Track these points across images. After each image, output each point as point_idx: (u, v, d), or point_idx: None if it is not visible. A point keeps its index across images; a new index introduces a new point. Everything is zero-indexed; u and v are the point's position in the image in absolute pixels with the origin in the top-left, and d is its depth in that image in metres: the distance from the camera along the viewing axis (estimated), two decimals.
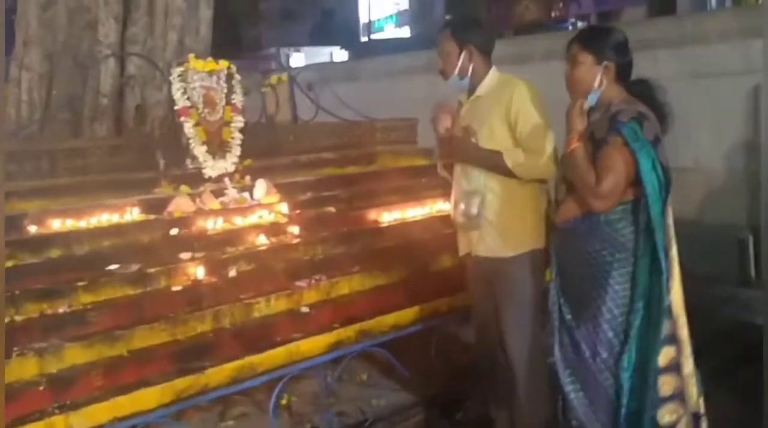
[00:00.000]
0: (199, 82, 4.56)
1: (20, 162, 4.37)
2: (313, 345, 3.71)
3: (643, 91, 2.92)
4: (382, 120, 6.13)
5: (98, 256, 3.77)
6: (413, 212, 4.95)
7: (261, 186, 4.55)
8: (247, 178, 4.64)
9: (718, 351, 4.35)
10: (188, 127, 4.45)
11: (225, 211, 4.33)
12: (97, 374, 3.20)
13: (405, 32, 28.14)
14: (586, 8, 17.96)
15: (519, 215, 3.27)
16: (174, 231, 4.06)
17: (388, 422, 3.97)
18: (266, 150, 5.26)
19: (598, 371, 2.90)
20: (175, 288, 3.70)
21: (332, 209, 4.77)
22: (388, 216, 4.83)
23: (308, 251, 4.28)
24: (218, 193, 4.44)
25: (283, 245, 4.23)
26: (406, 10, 29.14)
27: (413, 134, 6.03)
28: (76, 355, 3.23)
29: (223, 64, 4.71)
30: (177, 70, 4.51)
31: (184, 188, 4.38)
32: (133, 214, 4.15)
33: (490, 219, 3.27)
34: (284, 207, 4.54)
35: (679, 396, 2.82)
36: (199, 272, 3.79)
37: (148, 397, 3.19)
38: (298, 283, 3.99)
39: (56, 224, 3.90)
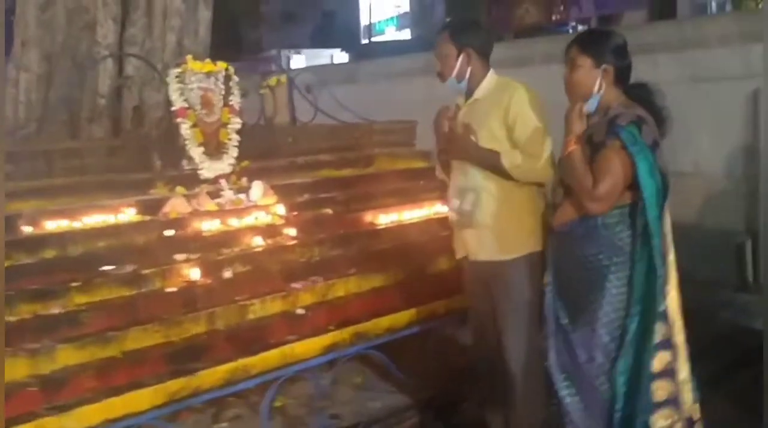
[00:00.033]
0: (196, 83, 4.55)
1: (17, 162, 4.35)
2: (307, 347, 3.70)
3: (642, 95, 2.91)
4: (380, 122, 6.12)
5: (93, 257, 3.76)
6: (410, 214, 4.94)
7: (258, 188, 4.54)
8: (244, 179, 4.62)
9: (715, 355, 4.34)
10: (185, 128, 4.43)
11: (221, 212, 4.31)
12: (90, 375, 3.18)
13: (405, 35, 28.13)
14: (587, 12, 17.94)
15: (516, 217, 3.26)
16: (169, 232, 4.05)
17: (383, 424, 3.98)
18: (264, 152, 5.24)
19: (593, 375, 2.89)
20: (169, 290, 3.68)
21: (329, 211, 4.76)
22: (385, 218, 4.82)
23: (304, 253, 4.27)
24: (214, 194, 4.43)
25: (279, 247, 4.22)
26: (406, 13, 29.14)
27: (411, 137, 6.02)
28: (68, 356, 3.21)
29: (221, 65, 4.70)
30: (174, 72, 4.49)
31: (179, 189, 4.36)
32: (129, 215, 4.13)
33: (486, 222, 3.26)
34: (281, 209, 4.53)
35: (673, 401, 2.80)
36: (194, 273, 3.78)
37: (141, 399, 3.17)
38: (294, 285, 3.97)
39: (51, 225, 3.88)
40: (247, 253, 4.07)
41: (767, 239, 5.92)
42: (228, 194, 4.45)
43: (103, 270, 3.68)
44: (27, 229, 3.82)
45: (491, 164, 3.19)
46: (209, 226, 4.19)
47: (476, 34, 3.34)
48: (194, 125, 4.48)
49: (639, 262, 2.79)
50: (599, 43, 2.93)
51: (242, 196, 4.49)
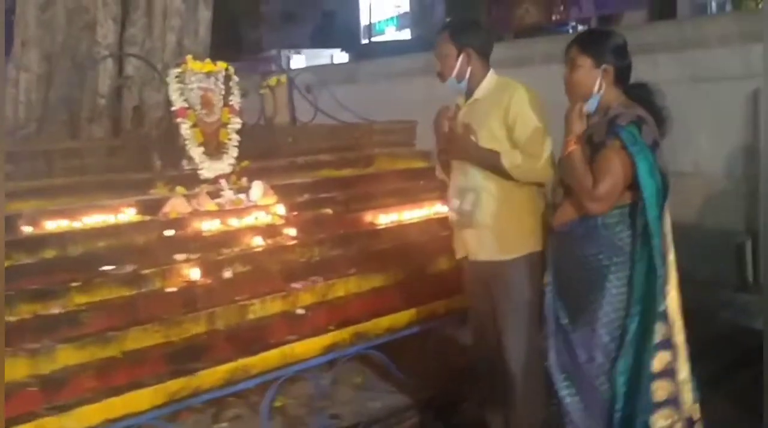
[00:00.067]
0: (196, 83, 4.54)
1: (17, 162, 4.35)
2: (307, 347, 3.70)
3: (642, 95, 2.91)
4: (380, 122, 6.11)
5: (93, 257, 3.76)
6: (410, 214, 4.94)
7: (258, 188, 4.54)
8: (244, 179, 4.62)
9: (715, 355, 4.34)
10: (185, 128, 4.43)
11: (221, 212, 4.31)
12: (90, 375, 3.18)
13: (406, 35, 28.12)
14: (587, 12, 17.92)
15: (516, 217, 3.26)
16: (169, 232, 4.04)
17: (383, 424, 3.97)
18: (264, 152, 5.24)
19: (593, 375, 2.88)
20: (169, 290, 3.68)
21: (329, 211, 4.76)
22: (385, 218, 4.81)
23: (304, 253, 4.27)
24: (214, 194, 4.42)
25: (279, 247, 4.21)
26: (406, 13, 29.13)
27: (411, 137, 6.02)
28: (68, 356, 3.21)
29: (221, 65, 4.70)
30: (174, 72, 4.49)
31: (179, 189, 4.36)
32: (129, 215, 4.13)
33: (486, 222, 3.26)
34: (281, 209, 4.53)
35: (673, 401, 2.80)
36: (194, 273, 3.77)
37: (141, 399, 3.17)
38: (294, 285, 3.97)
39: (51, 225, 3.88)
40: (247, 253, 4.07)
41: (767, 239, 5.93)
42: (228, 194, 4.45)
43: (103, 270, 3.68)
44: (27, 229, 3.82)
45: (491, 164, 3.19)
46: (209, 226, 4.18)
47: (476, 34, 3.34)
48: (194, 125, 4.48)
49: (639, 262, 2.79)
50: (599, 43, 2.93)
51: (242, 196, 4.49)
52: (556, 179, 3.08)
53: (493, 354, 3.38)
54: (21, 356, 3.10)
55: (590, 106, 2.90)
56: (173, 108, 4.46)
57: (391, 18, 30.13)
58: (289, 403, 4.00)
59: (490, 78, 3.32)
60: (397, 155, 5.81)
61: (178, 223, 4.12)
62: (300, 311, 3.86)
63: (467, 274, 3.48)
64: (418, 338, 4.19)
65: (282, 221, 4.43)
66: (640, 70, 3.00)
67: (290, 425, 3.88)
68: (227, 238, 4.15)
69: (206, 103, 4.54)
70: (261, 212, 4.43)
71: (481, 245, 3.31)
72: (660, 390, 2.78)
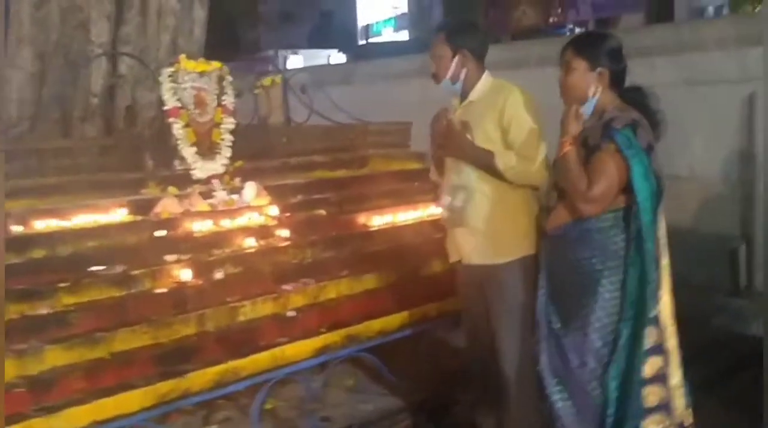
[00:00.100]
0: (189, 83, 4.51)
1: (8, 161, 4.31)
2: (298, 349, 3.68)
3: (637, 99, 2.90)
4: (374, 123, 6.09)
5: (82, 257, 3.73)
6: (404, 216, 4.91)
7: (250, 188, 4.51)
8: (237, 180, 4.60)
9: (708, 360, 4.33)
10: (177, 128, 4.40)
11: (213, 213, 4.29)
12: (78, 376, 3.16)
13: (403, 36, 28.10)
14: (585, 14, 17.92)
15: (511, 219, 3.24)
16: (160, 233, 4.02)
17: (375, 427, 3.94)
18: (257, 152, 5.22)
19: (585, 380, 2.86)
20: (159, 291, 3.65)
21: (323, 212, 4.74)
22: (378, 220, 4.79)
23: (297, 254, 4.24)
24: (207, 195, 4.40)
25: (271, 248, 4.19)
26: (404, 14, 29.11)
27: (406, 138, 6.00)
28: (57, 357, 3.18)
29: (215, 65, 4.67)
30: (167, 71, 4.46)
31: (171, 189, 4.33)
32: (120, 215, 4.10)
33: (480, 225, 3.24)
34: (274, 210, 4.50)
35: (664, 407, 2.79)
36: (184, 274, 3.75)
37: (130, 400, 3.15)
38: (285, 287, 3.95)
39: (40, 224, 3.85)
40: (239, 254, 4.04)
41: (762, 244, 5.92)
42: (220, 194, 4.42)
43: (93, 271, 3.65)
44: (16, 228, 3.79)
45: (485, 163, 3.17)
46: (201, 227, 4.16)
47: (472, 36, 3.32)
48: (187, 125, 4.45)
49: (632, 266, 2.78)
50: (594, 46, 2.91)
51: (235, 196, 4.47)
52: (550, 182, 3.07)
53: (486, 357, 3.36)
54: (9, 357, 3.06)
55: (586, 109, 2.89)
56: (165, 108, 4.43)
57: (389, 19, 30.10)
58: (279, 406, 3.98)
59: (485, 80, 3.31)
60: (392, 157, 5.79)
61: (169, 223, 4.09)
62: (291, 313, 3.83)
63: (461, 277, 3.46)
64: (410, 340, 4.17)
65: (274, 222, 4.40)
66: (637, 73, 2.99)
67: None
68: (219, 239, 4.12)
69: (199, 102, 4.51)
70: (253, 213, 4.40)
71: (474, 248, 3.29)
72: (651, 395, 2.76)
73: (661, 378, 2.78)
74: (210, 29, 6.16)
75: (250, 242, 4.16)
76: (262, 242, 4.21)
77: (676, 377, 2.83)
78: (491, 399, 3.42)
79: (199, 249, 3.98)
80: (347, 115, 6.17)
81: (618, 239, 2.81)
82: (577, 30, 16.44)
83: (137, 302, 3.56)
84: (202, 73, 4.57)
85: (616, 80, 2.90)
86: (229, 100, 4.69)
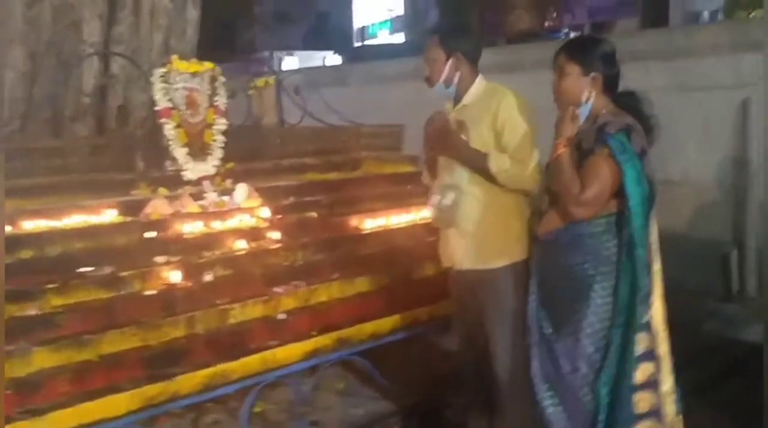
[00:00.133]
0: (181, 83, 4.48)
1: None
2: (289, 352, 3.65)
3: (630, 104, 2.89)
4: (367, 126, 6.06)
5: (71, 258, 3.69)
6: (396, 219, 4.89)
7: (242, 190, 4.49)
8: (228, 181, 4.57)
9: (701, 365, 4.33)
10: (168, 128, 4.37)
11: (204, 214, 4.26)
12: (65, 379, 3.13)
13: (399, 39, 28.11)
14: (580, 19, 17.99)
15: (502, 223, 3.22)
16: (150, 234, 3.98)
17: None
18: (249, 153, 5.19)
19: (577, 386, 2.85)
20: (148, 292, 3.62)
21: (314, 214, 4.71)
22: (370, 223, 4.77)
23: (288, 256, 4.21)
24: (197, 196, 4.36)
25: (262, 251, 4.16)
26: (400, 17, 29.12)
27: (399, 140, 5.98)
28: (44, 359, 3.15)
29: (207, 65, 4.64)
30: (159, 71, 4.43)
31: (162, 190, 4.30)
32: (109, 216, 4.06)
33: (470, 228, 3.22)
34: (265, 212, 4.48)
35: (655, 413, 2.77)
36: (174, 276, 3.72)
37: (117, 403, 3.12)
38: (276, 289, 3.92)
39: (29, 225, 3.81)
40: (229, 256, 4.02)
41: (754, 249, 5.93)
42: (211, 196, 4.39)
43: (81, 272, 3.62)
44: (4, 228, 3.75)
45: (479, 165, 3.15)
46: (191, 228, 4.13)
47: (466, 39, 3.30)
48: (178, 126, 4.42)
49: (624, 272, 2.76)
50: (588, 50, 2.90)
51: (226, 198, 4.43)
52: (543, 186, 3.05)
53: (479, 361, 3.34)
54: None
55: (581, 114, 2.87)
56: (157, 108, 4.40)
57: (384, 21, 30.12)
58: (269, 409, 3.96)
59: (479, 84, 3.29)
60: (384, 159, 5.77)
61: (159, 225, 4.06)
62: (282, 316, 3.81)
63: (453, 282, 3.44)
64: (402, 344, 4.15)
65: (266, 224, 4.37)
66: (631, 78, 2.98)
67: None
68: (209, 241, 4.09)
69: (191, 103, 4.48)
70: (244, 215, 4.38)
71: (466, 253, 3.27)
72: (642, 401, 2.75)
73: (652, 384, 2.77)
74: (205, 30, 6.14)
75: (240, 244, 4.14)
76: (252, 244, 4.18)
77: (667, 383, 2.81)
78: (483, 403, 3.41)
79: (189, 251, 3.95)
80: (340, 117, 6.15)
81: (610, 244, 2.79)
82: (573, 34, 16.47)
83: (126, 303, 3.54)
84: (194, 74, 4.54)
85: (610, 85, 2.89)
86: (221, 101, 4.66)
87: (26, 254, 3.62)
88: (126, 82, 5.59)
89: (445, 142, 3.24)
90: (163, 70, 4.43)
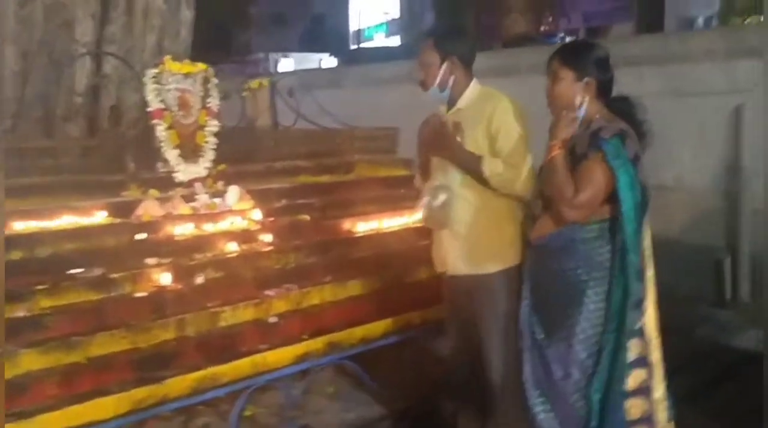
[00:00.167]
0: (174, 84, 4.45)
1: None
2: (280, 356, 3.64)
3: (624, 109, 2.89)
4: (361, 128, 6.04)
5: (61, 259, 3.66)
6: (389, 222, 4.88)
7: (234, 192, 4.46)
8: (220, 183, 4.54)
9: (693, 371, 4.32)
10: (160, 130, 4.34)
11: (195, 216, 4.23)
12: (53, 381, 3.11)
13: (394, 41, 28.14)
14: (575, 23, 18.03)
15: (495, 227, 3.21)
16: (141, 236, 3.96)
17: None
18: (242, 155, 5.16)
19: (569, 392, 2.84)
20: (138, 295, 3.59)
21: (307, 217, 4.68)
22: (363, 226, 4.75)
23: (280, 259, 4.19)
24: (189, 198, 4.33)
25: (253, 253, 4.14)
26: (396, 20, 29.15)
27: (393, 144, 5.96)
28: (32, 361, 3.13)
29: (200, 66, 4.61)
30: (152, 72, 4.40)
31: (153, 191, 4.26)
32: (100, 217, 4.03)
33: (463, 232, 3.21)
34: (257, 214, 4.45)
35: (647, 420, 2.76)
36: (164, 278, 3.69)
37: (105, 406, 3.10)
38: (268, 292, 3.90)
39: (19, 225, 3.77)
40: (220, 259, 3.99)
41: (747, 255, 5.93)
42: (203, 198, 4.36)
43: (71, 273, 3.60)
44: None
45: (472, 167, 3.14)
46: (182, 230, 4.10)
47: (461, 42, 3.29)
48: (170, 127, 4.38)
49: (617, 277, 2.75)
50: (581, 55, 2.89)
51: (217, 200, 4.40)
52: (536, 191, 3.04)
53: (472, 365, 3.32)
54: None
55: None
56: (149, 109, 4.37)
57: (380, 24, 30.16)
58: (259, 412, 3.93)
59: (473, 88, 3.27)
60: (378, 162, 5.74)
61: (150, 226, 4.03)
62: (273, 319, 3.79)
63: (447, 286, 3.43)
64: (393, 347, 4.14)
65: (257, 227, 4.35)
66: (625, 83, 2.98)
67: None
68: (200, 243, 4.06)
69: (183, 104, 4.45)
70: (236, 217, 4.35)
71: (458, 257, 3.25)
72: (634, 408, 2.74)
73: (644, 391, 2.76)
74: (201, 31, 6.12)
75: (232, 247, 4.11)
76: (244, 247, 4.16)
77: (659, 390, 2.80)
78: (475, 407, 3.39)
79: (180, 253, 3.93)
80: (334, 119, 6.12)
81: (603, 250, 2.79)
82: (568, 39, 16.49)
83: (116, 306, 3.51)
84: (186, 75, 4.50)
85: (603, 90, 2.88)
86: (213, 102, 4.63)
87: (16, 255, 3.58)
88: (118, 83, 5.56)
89: (441, 142, 3.23)
90: (156, 70, 4.39)
